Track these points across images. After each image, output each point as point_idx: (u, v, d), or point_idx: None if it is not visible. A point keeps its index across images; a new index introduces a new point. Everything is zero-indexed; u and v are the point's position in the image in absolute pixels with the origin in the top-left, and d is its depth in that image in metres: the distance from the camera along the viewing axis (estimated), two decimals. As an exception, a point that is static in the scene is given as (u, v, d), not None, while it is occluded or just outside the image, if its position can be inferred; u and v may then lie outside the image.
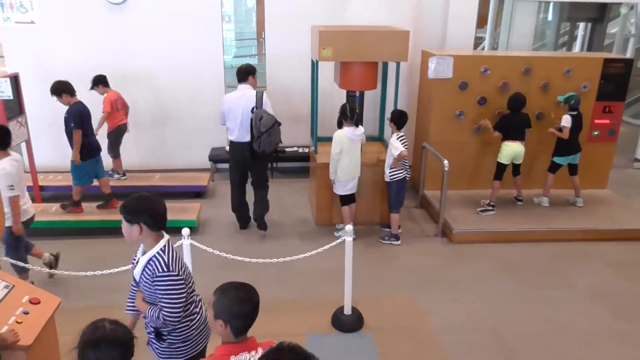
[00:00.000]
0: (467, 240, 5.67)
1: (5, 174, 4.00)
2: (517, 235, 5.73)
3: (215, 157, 7.44)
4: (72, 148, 5.58)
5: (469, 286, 4.86)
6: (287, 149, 7.48)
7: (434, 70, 6.24)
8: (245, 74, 5.43)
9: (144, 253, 2.55)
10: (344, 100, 5.96)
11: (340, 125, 5.30)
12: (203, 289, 3.39)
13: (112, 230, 5.48)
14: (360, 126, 5.35)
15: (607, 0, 8.67)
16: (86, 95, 6.40)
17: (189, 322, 2.63)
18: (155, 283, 2.45)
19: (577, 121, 5.89)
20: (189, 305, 2.62)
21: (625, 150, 8.41)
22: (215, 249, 4.11)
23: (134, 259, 2.67)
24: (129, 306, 2.79)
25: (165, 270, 2.44)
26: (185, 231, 3.77)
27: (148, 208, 2.45)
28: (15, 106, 5.89)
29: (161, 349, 2.66)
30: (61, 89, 5.47)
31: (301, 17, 6.99)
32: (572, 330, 4.23)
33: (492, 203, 6.11)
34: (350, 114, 5.20)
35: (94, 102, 6.52)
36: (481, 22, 8.57)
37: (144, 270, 2.51)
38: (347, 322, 4.18)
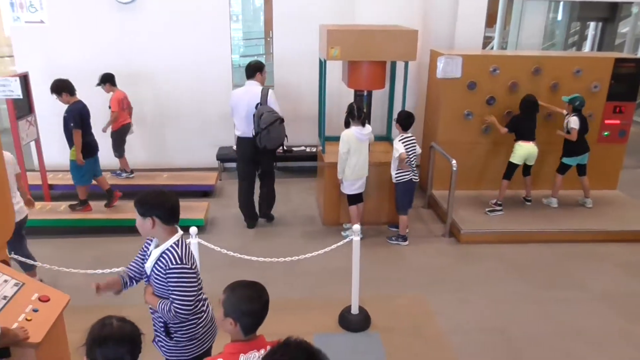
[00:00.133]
0: (475, 240, 5.64)
1: None
2: (526, 235, 5.69)
3: (223, 156, 7.46)
4: (70, 147, 5.58)
5: (476, 286, 4.84)
6: (294, 148, 7.49)
7: (443, 70, 6.21)
8: (253, 70, 5.51)
9: (156, 246, 2.58)
10: (352, 100, 5.95)
11: (347, 125, 5.29)
12: (211, 287, 3.39)
13: (120, 229, 5.53)
14: (367, 125, 5.33)
15: (618, 0, 8.59)
16: (92, 93, 6.47)
17: (196, 320, 2.64)
18: (168, 275, 2.47)
19: (583, 122, 5.85)
20: (197, 303, 2.63)
21: (635, 150, 8.34)
22: (222, 248, 4.12)
23: (143, 251, 2.69)
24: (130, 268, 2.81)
25: (179, 262, 2.47)
26: (193, 230, 3.78)
27: (160, 202, 2.50)
28: (25, 105, 5.94)
29: (168, 346, 2.67)
30: (61, 88, 5.49)
31: (309, 16, 6.99)
32: (580, 332, 4.20)
33: (499, 202, 6.08)
34: (358, 114, 5.19)
35: (94, 102, 6.58)
36: (490, 21, 8.52)
37: (156, 262, 2.53)
38: (355, 322, 4.17)
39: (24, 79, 5.85)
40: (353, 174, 5.31)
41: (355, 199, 5.49)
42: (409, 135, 5.34)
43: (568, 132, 5.86)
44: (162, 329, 2.64)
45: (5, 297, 2.94)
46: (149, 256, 2.62)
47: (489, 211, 6.05)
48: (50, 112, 6.81)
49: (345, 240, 4.15)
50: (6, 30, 9.01)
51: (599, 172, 6.53)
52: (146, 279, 2.66)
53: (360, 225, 4.24)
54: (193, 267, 2.54)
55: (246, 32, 14.06)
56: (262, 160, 5.73)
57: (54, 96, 5.55)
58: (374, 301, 4.41)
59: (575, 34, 11.05)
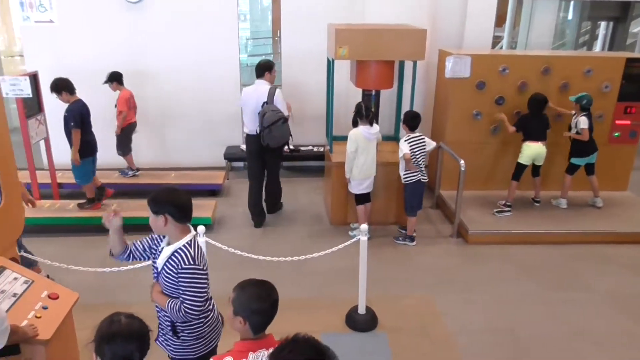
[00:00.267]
0: (483, 241, 5.61)
1: None
2: (534, 236, 5.65)
3: (231, 155, 7.48)
4: (71, 147, 5.59)
5: (484, 287, 4.81)
6: (302, 148, 7.49)
7: (451, 70, 6.18)
8: (262, 69, 5.59)
9: (168, 244, 2.58)
10: (360, 99, 5.94)
11: (355, 124, 5.28)
12: (218, 286, 3.40)
13: (129, 227, 5.53)
14: (375, 125, 5.32)
15: (629, -1, 8.51)
16: (100, 92, 6.51)
17: (203, 319, 2.65)
18: (180, 275, 2.48)
19: (591, 121, 5.79)
20: (205, 302, 2.63)
21: (646, 151, 8.25)
22: (230, 247, 4.13)
23: (153, 241, 2.70)
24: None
25: (192, 263, 2.48)
26: (201, 229, 3.78)
27: (173, 200, 2.51)
28: (35, 104, 5.98)
29: (174, 345, 2.68)
30: (61, 87, 5.50)
31: (317, 15, 6.98)
32: (589, 333, 4.17)
33: (508, 203, 6.04)
34: (366, 113, 5.18)
35: (101, 101, 6.63)
36: (500, 20, 8.47)
37: (167, 261, 2.53)
38: (361, 322, 4.17)
39: (34, 78, 5.89)
40: (361, 174, 5.30)
41: (362, 198, 5.48)
42: (416, 135, 5.32)
43: (577, 132, 5.81)
44: (169, 328, 2.64)
45: (15, 295, 2.97)
46: (160, 253, 2.62)
47: (497, 212, 6.02)
48: (59, 111, 6.80)
49: (352, 240, 4.15)
50: (16, 29, 9.11)
51: (610, 173, 6.47)
52: (155, 275, 2.66)
53: (368, 225, 4.23)
54: (205, 268, 2.55)
55: (254, 31, 14.09)
56: (267, 159, 5.80)
57: (54, 95, 5.56)
58: (381, 301, 4.40)
59: (585, 33, 10.94)
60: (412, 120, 5.28)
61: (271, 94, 5.49)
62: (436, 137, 6.74)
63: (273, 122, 5.37)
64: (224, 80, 7.39)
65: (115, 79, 6.43)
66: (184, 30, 7.15)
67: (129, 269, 4.00)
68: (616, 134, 6.44)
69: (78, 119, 5.45)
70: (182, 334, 2.63)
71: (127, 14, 7.06)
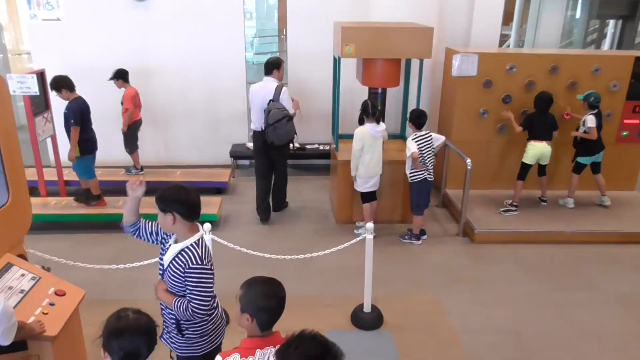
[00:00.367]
0: (489, 240, 5.58)
1: None
2: (541, 236, 5.62)
3: (236, 153, 7.48)
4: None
5: (490, 287, 4.80)
6: (307, 146, 7.48)
7: (458, 68, 6.15)
8: (270, 66, 5.64)
9: (176, 241, 2.58)
10: (366, 98, 5.93)
11: (361, 122, 5.27)
12: (224, 283, 3.41)
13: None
14: (381, 123, 5.31)
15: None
16: (107, 90, 6.53)
17: (207, 317, 2.65)
18: (187, 274, 2.47)
19: (599, 120, 5.75)
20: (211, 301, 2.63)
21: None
22: (235, 245, 4.13)
23: (159, 236, 2.70)
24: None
25: (199, 263, 2.47)
26: (207, 226, 3.79)
27: (181, 197, 2.49)
28: (42, 102, 6.00)
29: (179, 343, 2.68)
30: (60, 84, 5.50)
31: (323, 13, 6.96)
32: (596, 334, 4.14)
33: (515, 203, 6.01)
34: (372, 111, 5.17)
35: (107, 98, 6.66)
36: (507, 19, 8.41)
37: (174, 259, 2.53)
38: (367, 320, 4.17)
39: (41, 76, 5.91)
40: (367, 172, 5.29)
41: (369, 196, 5.47)
42: (423, 133, 5.29)
43: (585, 131, 5.77)
44: (174, 326, 2.65)
45: (22, 291, 2.98)
46: (167, 249, 2.62)
47: (503, 211, 5.99)
48: (66, 108, 6.89)
49: (358, 239, 4.15)
50: (23, 27, 9.15)
51: (617, 173, 6.42)
52: (161, 272, 2.66)
53: (374, 223, 4.22)
54: (212, 268, 2.54)
55: (260, 29, 14.08)
56: (273, 156, 5.85)
57: (54, 93, 5.57)
58: (386, 300, 4.39)
59: (594, 32, 10.86)
60: (418, 119, 5.26)
61: (277, 91, 5.52)
62: (443, 135, 6.72)
63: (277, 119, 5.42)
64: (229, 78, 7.40)
65: (120, 76, 6.44)
66: (190, 28, 7.16)
67: (134, 266, 4.02)
68: (624, 133, 6.39)
69: (78, 117, 5.46)
70: (186, 331, 2.63)
71: (134, 12, 7.07)
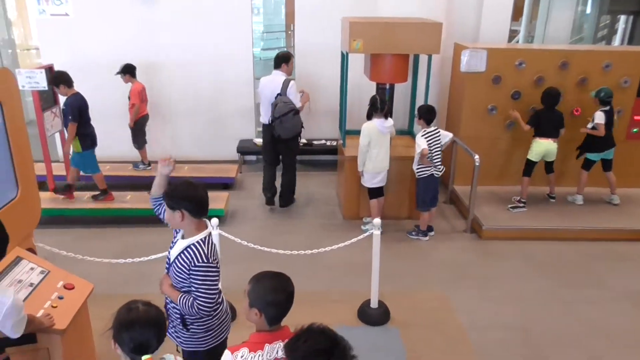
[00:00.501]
0: (497, 237, 5.55)
1: None
2: (549, 233, 5.59)
3: (244, 148, 7.48)
4: (74, 140, 5.60)
5: (498, 283, 4.77)
6: (315, 142, 7.47)
7: (467, 64, 6.11)
8: (279, 60, 5.73)
9: (183, 237, 2.58)
10: (374, 93, 5.90)
11: (369, 117, 5.25)
12: (232, 279, 3.41)
13: (143, 219, 5.60)
14: (389, 118, 5.29)
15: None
16: (115, 85, 6.54)
17: (212, 312, 2.65)
18: (192, 272, 2.47)
19: (610, 116, 5.69)
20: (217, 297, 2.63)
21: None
22: (242, 240, 4.14)
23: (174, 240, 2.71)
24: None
25: (205, 261, 2.47)
26: (215, 221, 3.79)
27: (189, 194, 2.48)
28: (50, 97, 6.02)
29: (184, 337, 2.69)
30: (59, 80, 5.52)
31: (331, 8, 6.93)
32: (605, 331, 4.11)
33: (522, 200, 5.97)
34: (381, 106, 5.15)
35: (114, 94, 6.67)
36: (516, 14, 8.34)
37: (180, 254, 2.53)
38: (374, 316, 4.16)
39: (49, 71, 5.93)
40: (374, 167, 5.27)
41: (376, 192, 5.46)
42: (432, 129, 5.27)
43: (593, 127, 5.72)
44: (179, 320, 2.65)
45: (31, 285, 3.00)
46: (174, 244, 2.63)
47: (511, 207, 5.96)
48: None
49: (365, 234, 4.14)
50: (32, 23, 9.19)
51: (627, 170, 6.36)
52: (167, 266, 2.67)
53: (381, 219, 4.21)
54: (217, 266, 2.54)
55: (267, 25, 14.05)
56: (281, 150, 5.94)
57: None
58: (393, 296, 4.38)
59: (604, 27, 10.74)
60: (427, 114, 5.23)
61: (285, 85, 5.59)
62: (450, 132, 6.67)
63: (284, 113, 5.52)
64: (237, 74, 7.39)
65: (128, 71, 6.45)
66: (197, 24, 7.16)
67: (142, 260, 4.04)
68: (635, 129, 6.32)
69: (76, 113, 5.48)
70: (191, 326, 2.64)
71: (142, 8, 7.07)
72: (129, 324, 1.89)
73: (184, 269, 2.50)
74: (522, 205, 5.96)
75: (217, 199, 5.86)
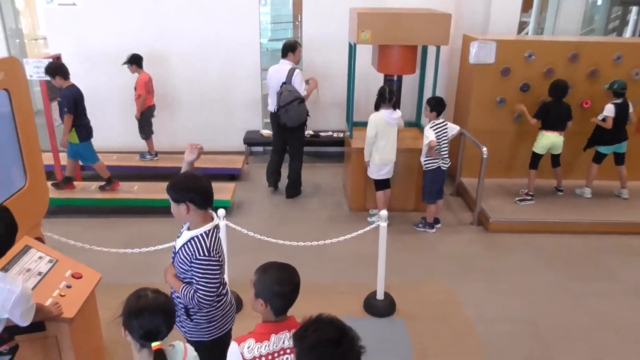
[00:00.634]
0: (504, 229, 5.52)
1: None
2: (557, 226, 5.55)
3: (250, 140, 7.47)
4: (69, 131, 5.60)
5: (505, 276, 4.75)
6: (321, 134, 7.45)
7: (475, 55, 6.05)
8: (286, 49, 5.82)
9: (188, 228, 2.57)
10: (381, 85, 5.86)
11: (377, 108, 5.22)
12: (238, 270, 3.42)
13: (150, 209, 5.62)
14: (397, 110, 5.25)
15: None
16: (121, 75, 6.54)
17: (216, 304, 2.65)
18: (193, 264, 2.47)
19: (622, 109, 5.62)
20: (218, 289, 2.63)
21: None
22: (249, 231, 4.14)
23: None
24: None
25: (207, 254, 2.46)
26: (221, 212, 3.79)
27: (193, 186, 2.47)
28: (57, 87, 6.02)
29: (188, 327, 2.70)
30: (55, 71, 5.50)
31: (339, -1, 6.88)
32: (614, 325, 4.09)
33: (530, 192, 5.93)
34: (389, 97, 5.12)
35: (120, 83, 6.66)
36: (526, 5, 8.24)
37: (184, 245, 2.53)
38: (380, 307, 4.16)
39: (57, 61, 5.93)
40: (381, 159, 5.25)
41: (382, 184, 5.44)
42: (441, 121, 5.23)
43: (603, 119, 5.66)
44: (182, 310, 2.66)
45: (40, 273, 3.03)
46: (181, 234, 2.63)
47: (519, 200, 5.92)
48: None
49: (371, 226, 4.13)
50: (39, 12, 9.20)
51: (637, 163, 6.29)
52: (173, 256, 2.67)
53: (387, 211, 4.19)
54: (220, 260, 2.52)
55: (275, 15, 13.98)
56: (287, 138, 6.04)
57: (48, 78, 5.57)
58: (399, 288, 4.38)
59: (616, 19, 10.60)
60: (437, 105, 5.18)
61: (290, 74, 5.65)
62: (458, 124, 6.56)
63: (289, 102, 5.62)
64: (244, 65, 7.37)
65: (134, 61, 6.45)
66: (204, 14, 7.13)
67: (149, 250, 4.05)
68: (645, 122, 6.25)
69: (72, 105, 5.47)
70: (195, 316, 2.64)
71: (149, -3, 7.06)
72: (138, 312, 1.90)
73: (186, 260, 2.50)
74: (529, 198, 5.92)
75: (223, 190, 5.86)
